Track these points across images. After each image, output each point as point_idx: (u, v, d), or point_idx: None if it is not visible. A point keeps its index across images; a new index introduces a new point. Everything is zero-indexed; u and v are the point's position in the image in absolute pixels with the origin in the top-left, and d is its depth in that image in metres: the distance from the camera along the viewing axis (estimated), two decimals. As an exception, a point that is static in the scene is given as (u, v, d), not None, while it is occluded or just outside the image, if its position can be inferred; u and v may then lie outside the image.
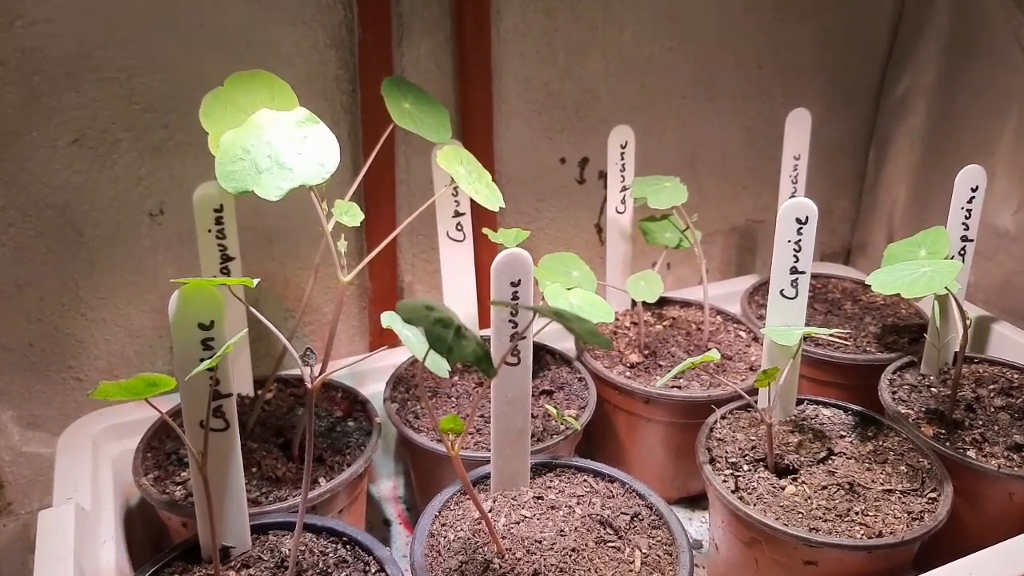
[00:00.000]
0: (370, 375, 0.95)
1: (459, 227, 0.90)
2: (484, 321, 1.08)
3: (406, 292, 1.09)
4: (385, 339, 1.07)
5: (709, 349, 0.95)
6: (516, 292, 0.66)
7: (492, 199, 0.71)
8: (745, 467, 0.75)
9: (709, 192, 1.22)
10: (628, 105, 1.11)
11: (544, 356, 0.92)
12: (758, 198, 1.27)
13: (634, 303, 1.03)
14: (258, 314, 0.60)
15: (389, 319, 0.56)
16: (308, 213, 0.98)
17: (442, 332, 0.41)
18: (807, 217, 0.74)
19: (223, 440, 0.62)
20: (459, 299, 0.92)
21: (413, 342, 0.53)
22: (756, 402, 0.80)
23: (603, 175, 1.14)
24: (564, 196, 1.13)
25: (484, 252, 1.01)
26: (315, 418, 0.83)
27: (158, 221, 0.90)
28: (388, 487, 0.98)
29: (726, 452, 0.77)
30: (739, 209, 1.27)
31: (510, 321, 0.67)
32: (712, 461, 0.76)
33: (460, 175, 0.69)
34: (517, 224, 1.11)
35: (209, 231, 0.78)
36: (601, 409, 0.87)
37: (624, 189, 0.97)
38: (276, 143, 0.60)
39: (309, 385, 0.59)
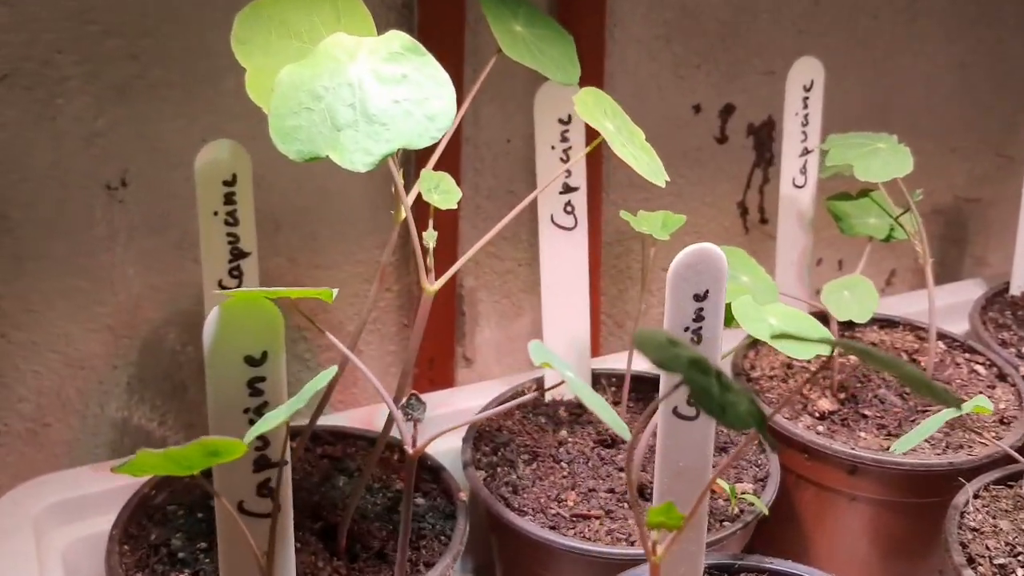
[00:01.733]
0: (428, 426, 0.93)
1: (569, 208, 0.88)
2: (597, 347, 1.06)
3: (466, 301, 1.07)
4: (437, 372, 1.05)
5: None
6: (702, 310, 0.64)
7: (655, 168, 0.69)
8: (1020, 571, 0.73)
9: (905, 156, 1.21)
10: (795, 29, 1.10)
11: (690, 401, 0.91)
12: (974, 166, 1.26)
13: (821, 320, 1.01)
14: (341, 345, 0.58)
15: (541, 352, 0.53)
16: (329, 187, 0.96)
17: (704, 381, 0.39)
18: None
19: (271, 530, 0.60)
20: (565, 313, 0.90)
21: (590, 396, 0.51)
22: (1024, 472, 0.78)
23: (753, 130, 1.13)
24: (697, 161, 1.11)
25: (590, 252, 0.99)
26: (368, 492, 0.81)
27: (119, 198, 0.89)
28: (452, 593, 0.96)
29: (988, 549, 0.75)
30: (947, 181, 1.26)
31: (688, 353, 0.65)
32: (971, 562, 0.74)
33: (610, 133, 0.67)
34: (627, 202, 1.09)
35: (216, 214, 0.77)
36: (779, 481, 0.85)
37: (807, 152, 0.95)
38: (363, 85, 0.58)
39: (410, 450, 0.57)
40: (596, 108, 0.69)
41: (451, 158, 0.99)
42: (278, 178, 0.94)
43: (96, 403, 0.94)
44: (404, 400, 0.57)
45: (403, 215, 0.68)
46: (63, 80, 0.84)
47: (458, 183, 1.00)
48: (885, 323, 1.04)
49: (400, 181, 0.67)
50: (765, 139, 1.13)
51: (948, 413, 0.70)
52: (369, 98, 0.58)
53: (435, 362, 1.05)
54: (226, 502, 0.57)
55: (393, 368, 1.06)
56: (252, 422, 0.58)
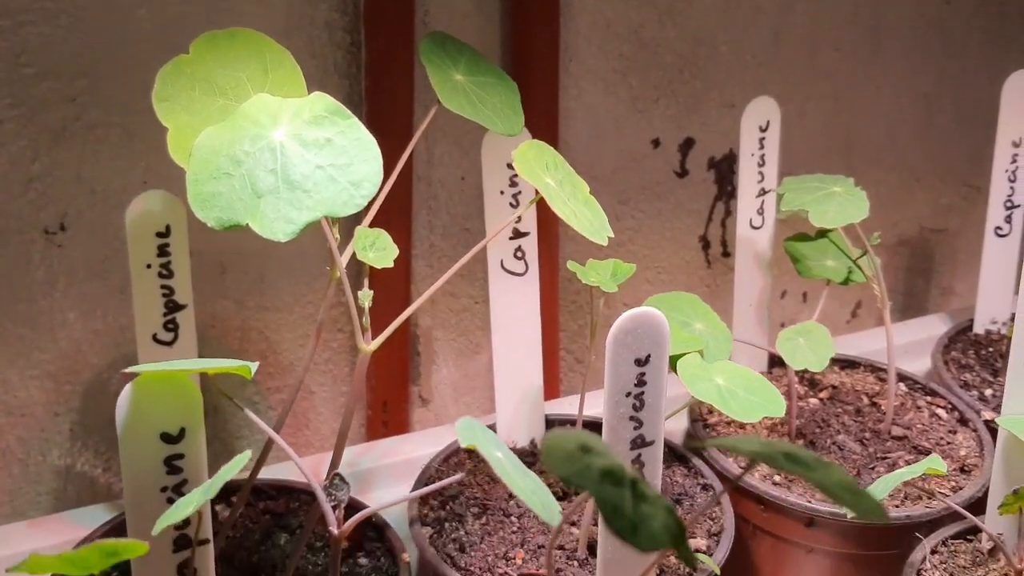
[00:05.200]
0: (378, 475, 0.91)
1: (519, 253, 0.86)
2: (551, 390, 1.04)
3: (422, 341, 1.04)
4: (391, 415, 1.03)
5: (891, 435, 0.91)
6: (643, 375, 0.62)
7: (597, 226, 0.67)
8: (978, 633, 0.71)
9: (869, 188, 1.18)
10: (755, 61, 1.08)
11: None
12: (939, 197, 1.25)
13: (775, 362, 0.99)
14: (257, 419, 0.55)
15: (468, 434, 0.51)
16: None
17: (615, 495, 0.36)
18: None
19: (194, 612, 0.57)
20: (516, 360, 0.88)
21: (517, 481, 0.48)
22: (983, 524, 0.76)
23: (714, 164, 1.11)
24: (657, 196, 1.09)
25: (547, 288, 0.97)
26: (310, 551, 0.78)
27: (57, 242, 0.86)
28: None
29: (945, 609, 0.73)
30: (912, 212, 1.24)
31: (631, 419, 0.63)
32: (927, 625, 0.72)
33: (550, 190, 0.65)
34: (584, 239, 1.07)
35: (148, 267, 0.75)
36: (735, 532, 0.82)
37: (764, 192, 0.93)
38: (285, 149, 0.55)
39: (335, 530, 0.55)
40: (537, 163, 0.66)
41: (402, 196, 0.97)
42: (224, 219, 0.92)
43: (38, 451, 0.91)
44: (328, 480, 0.54)
45: (338, 274, 0.65)
46: (-4, 124, 0.82)
47: (410, 222, 1.00)
48: (846, 363, 1.02)
49: (334, 239, 0.65)
50: (726, 172, 1.11)
51: (902, 474, 0.68)
52: (291, 163, 0.55)
53: (389, 405, 1.02)
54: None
55: (345, 408, 1.04)
56: (171, 501, 0.56)
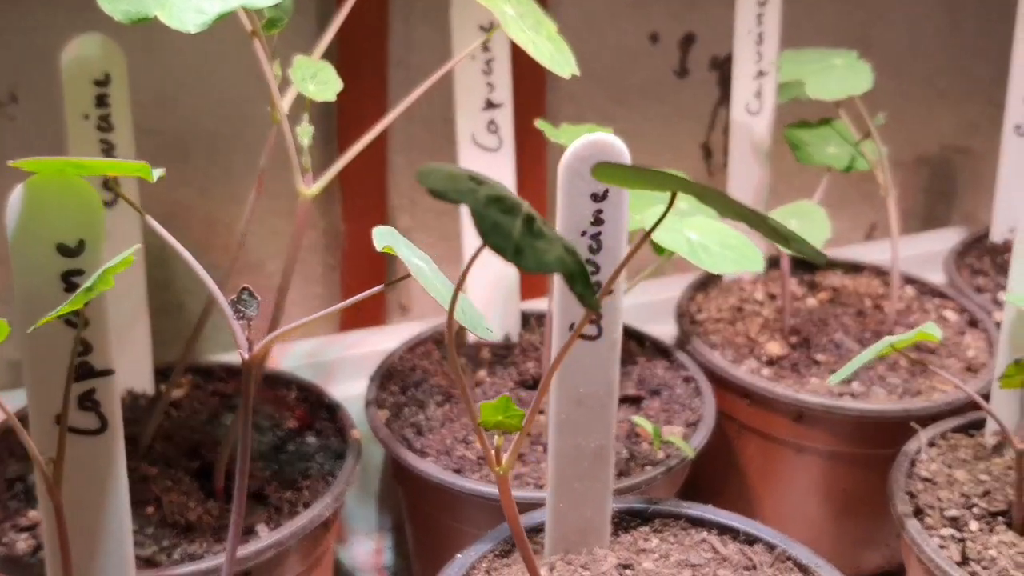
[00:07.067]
0: (342, 367, 0.88)
1: (492, 127, 0.81)
2: (546, 290, 0.99)
3: (401, 244, 1.00)
4: (365, 314, 0.99)
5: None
6: (600, 212, 0.57)
7: (559, 59, 0.62)
8: (973, 524, 0.67)
9: (887, 101, 1.13)
10: (762, -50, 1.03)
11: (627, 343, 0.84)
12: (962, 114, 1.19)
13: (772, 262, 0.94)
14: (163, 231, 0.51)
15: (385, 239, 0.46)
16: (247, 108, 0.90)
17: (500, 219, 0.31)
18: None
19: (95, 450, 0.54)
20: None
21: (429, 277, 0.44)
22: (988, 419, 0.71)
23: (716, 63, 1.06)
24: (655, 96, 1.05)
25: (527, 172, 0.92)
26: (256, 431, 0.74)
27: (8, 114, 0.84)
28: (367, 550, 0.91)
29: (939, 499, 0.68)
30: (933, 129, 1.18)
31: (587, 263, 0.58)
32: (918, 513, 0.67)
33: (507, 17, 0.60)
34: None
35: (86, 118, 0.71)
36: (719, 430, 0.78)
37: (762, 74, 0.88)
38: (196, -65, 0.51)
39: (246, 355, 0.50)
40: (497, -9, 0.61)
41: (376, 82, 0.92)
42: (187, 98, 0.88)
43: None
44: (235, 296, 0.50)
45: (278, 117, 0.61)
46: (-59, -19, 0.79)
47: (386, 110, 0.95)
48: (850, 267, 0.98)
49: (271, 73, 0.61)
50: (730, 74, 1.06)
51: (890, 340, 0.63)
52: (204, -50, 0.51)
53: (364, 307, 0.98)
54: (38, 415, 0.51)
55: (321, 309, 1.00)
56: (70, 322, 0.51)
